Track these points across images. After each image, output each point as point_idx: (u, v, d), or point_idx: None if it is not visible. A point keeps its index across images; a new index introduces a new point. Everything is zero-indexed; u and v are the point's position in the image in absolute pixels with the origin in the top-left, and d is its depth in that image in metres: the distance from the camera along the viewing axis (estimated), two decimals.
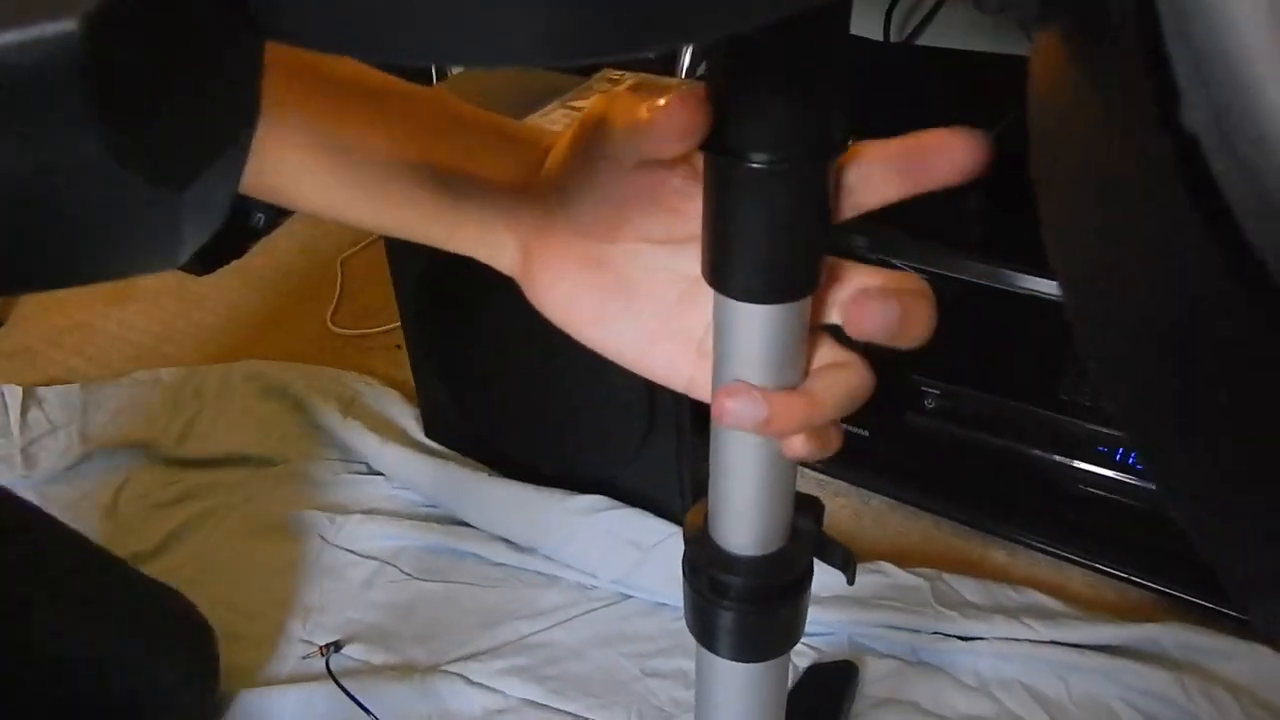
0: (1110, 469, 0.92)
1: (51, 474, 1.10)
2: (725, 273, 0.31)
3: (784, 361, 0.32)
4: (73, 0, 0.15)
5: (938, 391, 0.96)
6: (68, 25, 0.15)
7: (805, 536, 0.40)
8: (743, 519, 0.38)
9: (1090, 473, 0.93)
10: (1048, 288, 0.83)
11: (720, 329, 0.33)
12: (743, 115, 0.28)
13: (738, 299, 0.31)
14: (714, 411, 0.33)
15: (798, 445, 0.34)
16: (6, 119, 0.16)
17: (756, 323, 0.31)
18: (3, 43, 0.15)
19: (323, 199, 0.39)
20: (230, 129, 0.19)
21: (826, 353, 0.34)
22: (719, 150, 0.29)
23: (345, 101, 0.38)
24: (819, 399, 0.33)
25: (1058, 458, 0.94)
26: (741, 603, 0.39)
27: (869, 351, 0.34)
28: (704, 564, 0.40)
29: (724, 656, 0.41)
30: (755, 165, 0.28)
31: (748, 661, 0.41)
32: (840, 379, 0.33)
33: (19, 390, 1.20)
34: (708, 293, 0.33)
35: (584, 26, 0.16)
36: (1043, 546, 0.94)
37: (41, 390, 1.21)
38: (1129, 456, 0.92)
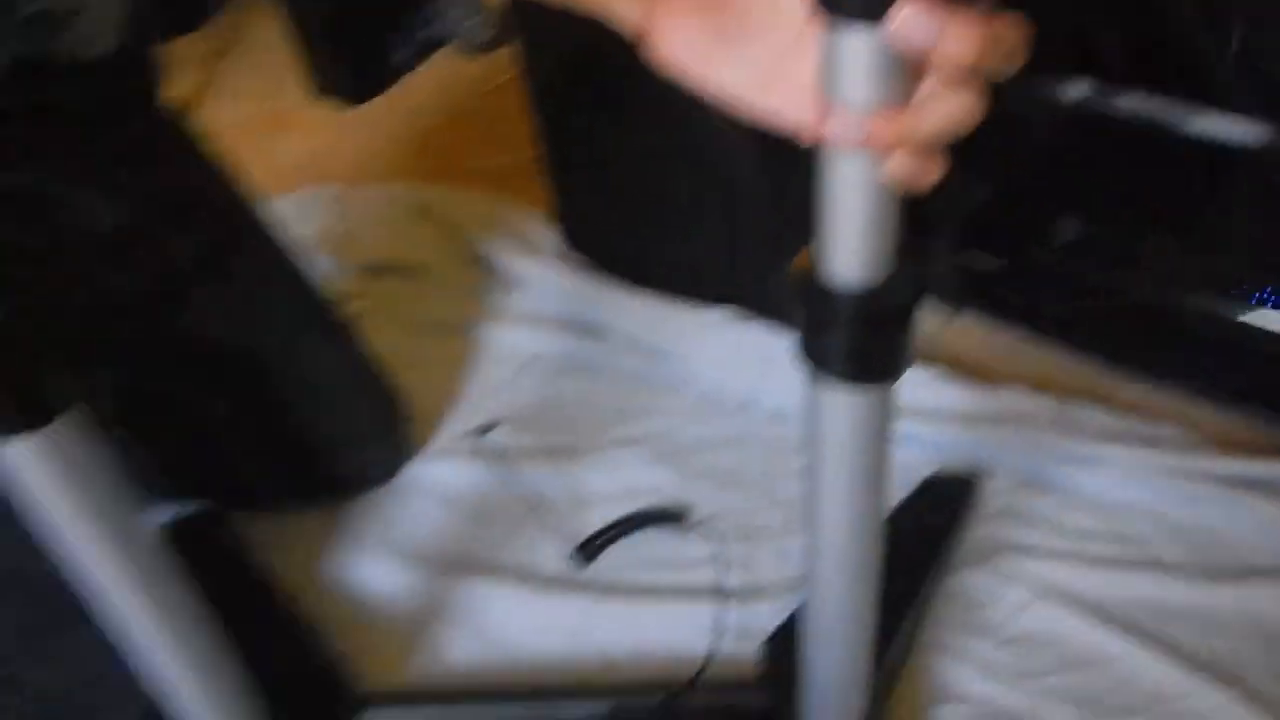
0: (1250, 313, 0.91)
1: None
2: None
3: (888, 82, 0.34)
4: None
5: (1076, 229, 0.96)
6: None
7: (909, 269, 0.41)
8: (848, 247, 0.40)
9: (1228, 317, 0.93)
10: (1197, 126, 0.82)
11: (828, 53, 0.34)
12: None
13: (844, 18, 0.33)
14: (818, 129, 0.35)
15: (897, 164, 0.35)
16: None
17: (862, 43, 0.33)
18: None
19: None
20: None
21: (933, 80, 0.35)
22: None
23: None
24: (920, 115, 0.34)
25: (1197, 300, 0.93)
26: (849, 327, 0.41)
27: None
28: (813, 297, 0.42)
29: (834, 377, 0.44)
30: None
31: (855, 382, 0.43)
32: (943, 100, 0.34)
33: None
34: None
35: None
36: (1176, 387, 0.94)
37: None
38: (1269, 300, 0.91)
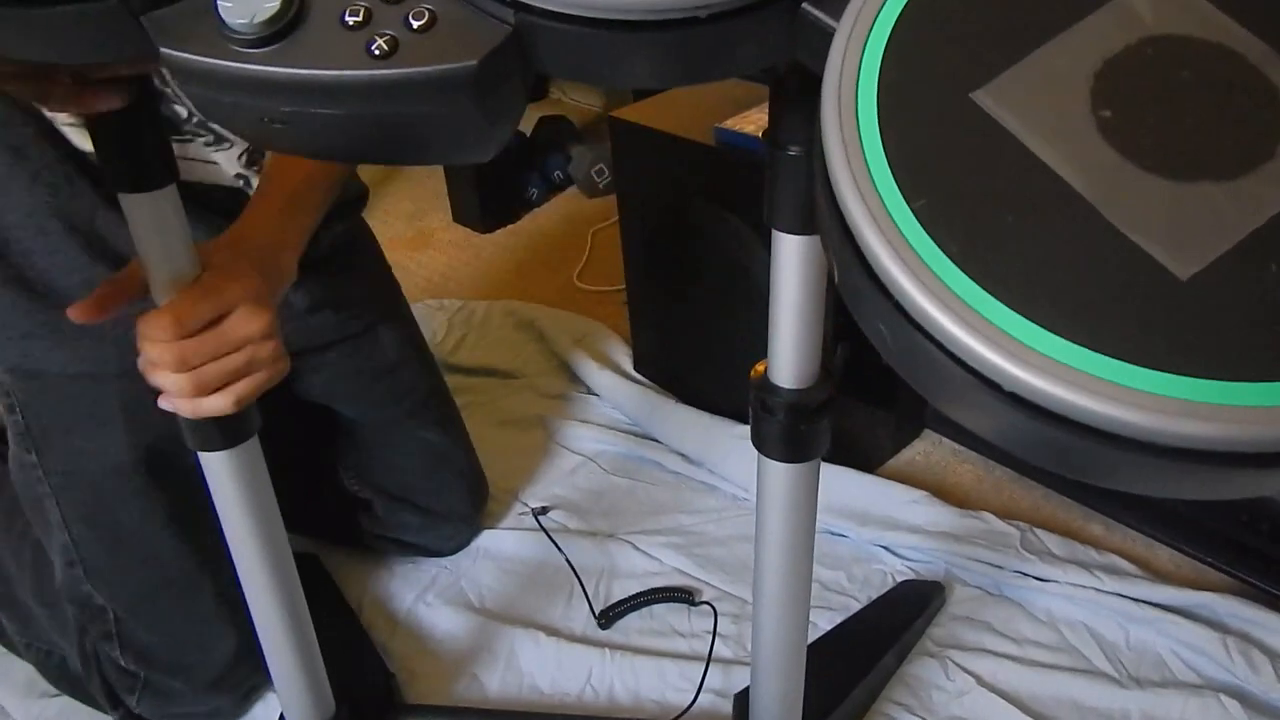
0: None
1: None
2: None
3: None
4: (471, 51, 0.40)
5: None
6: (470, 62, 0.40)
7: (827, 379, 0.60)
8: (786, 361, 0.58)
9: None
10: None
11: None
12: None
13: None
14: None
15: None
16: (428, 103, 0.41)
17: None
18: (441, 69, 0.40)
19: None
20: (519, 109, 0.44)
21: None
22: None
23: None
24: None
25: None
26: (785, 417, 0.59)
27: None
28: (762, 394, 0.60)
29: (772, 458, 0.62)
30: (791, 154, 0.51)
31: (788, 462, 0.61)
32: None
33: None
34: None
35: None
36: (1138, 526, 1.07)
37: None
38: None
